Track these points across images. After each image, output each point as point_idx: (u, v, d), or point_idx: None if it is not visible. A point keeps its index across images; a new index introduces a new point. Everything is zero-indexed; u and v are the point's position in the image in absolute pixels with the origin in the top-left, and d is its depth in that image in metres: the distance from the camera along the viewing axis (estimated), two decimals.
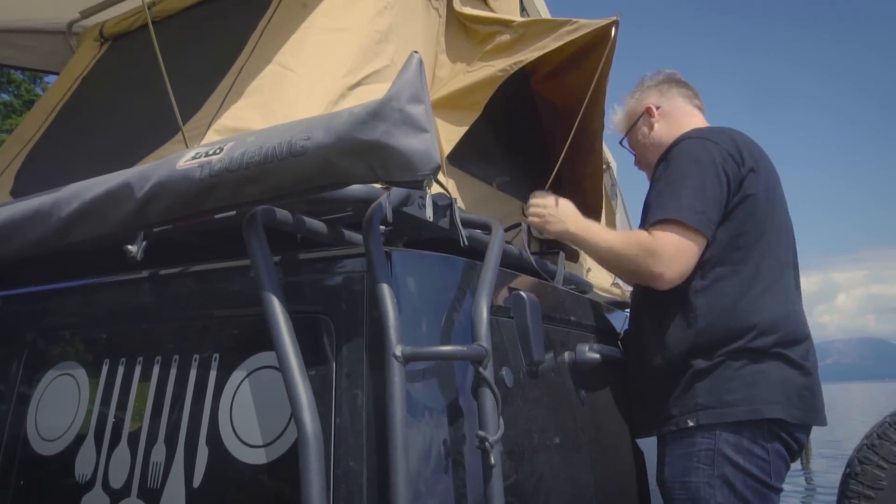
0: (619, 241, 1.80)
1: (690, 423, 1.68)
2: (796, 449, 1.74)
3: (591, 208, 2.50)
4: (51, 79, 2.63)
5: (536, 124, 2.54)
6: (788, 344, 1.72)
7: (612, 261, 1.82)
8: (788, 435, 1.70)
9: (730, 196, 1.72)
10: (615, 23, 1.91)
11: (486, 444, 1.03)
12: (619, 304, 2.92)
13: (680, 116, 2.01)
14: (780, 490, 1.73)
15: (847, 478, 2.51)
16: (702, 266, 1.72)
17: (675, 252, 1.65)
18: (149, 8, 2.16)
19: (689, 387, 1.70)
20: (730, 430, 1.66)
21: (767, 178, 1.81)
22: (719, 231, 1.72)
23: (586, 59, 2.07)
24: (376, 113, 0.92)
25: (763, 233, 1.76)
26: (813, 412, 1.74)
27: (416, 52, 0.95)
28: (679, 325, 1.74)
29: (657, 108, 2.04)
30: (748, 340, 1.69)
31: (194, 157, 1.05)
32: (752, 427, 1.66)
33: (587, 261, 2.80)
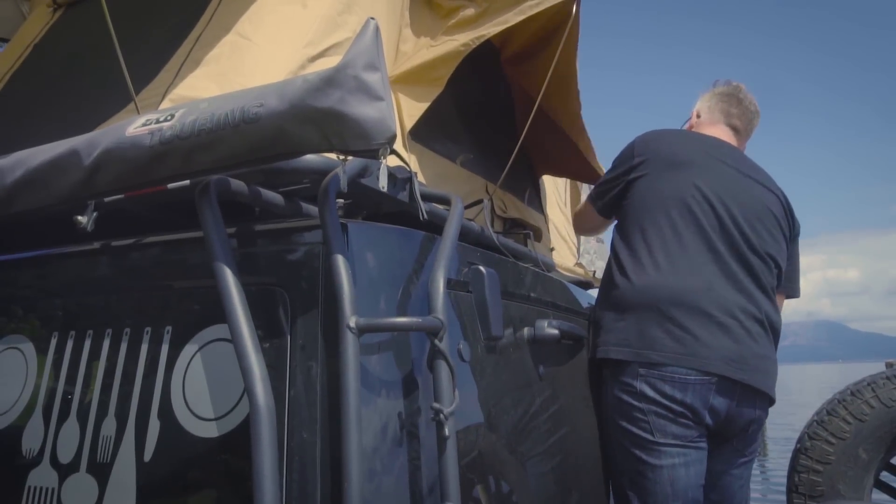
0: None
1: None
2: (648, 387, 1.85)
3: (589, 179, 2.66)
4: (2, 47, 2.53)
5: (506, 105, 2.53)
6: (666, 302, 1.89)
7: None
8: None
9: (618, 179, 2.12)
10: None
11: (441, 415, 1.03)
12: (581, 284, 2.95)
13: (706, 127, 2.28)
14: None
15: (797, 453, 2.58)
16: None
17: (576, 213, 2.67)
18: None
19: None
20: None
21: (669, 164, 2.03)
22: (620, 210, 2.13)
23: (554, 39, 2.06)
24: (331, 80, 0.90)
25: (650, 207, 2.01)
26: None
27: (372, 18, 0.93)
28: None
29: (699, 115, 2.34)
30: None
31: (144, 124, 1.02)
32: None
33: (551, 240, 2.82)
